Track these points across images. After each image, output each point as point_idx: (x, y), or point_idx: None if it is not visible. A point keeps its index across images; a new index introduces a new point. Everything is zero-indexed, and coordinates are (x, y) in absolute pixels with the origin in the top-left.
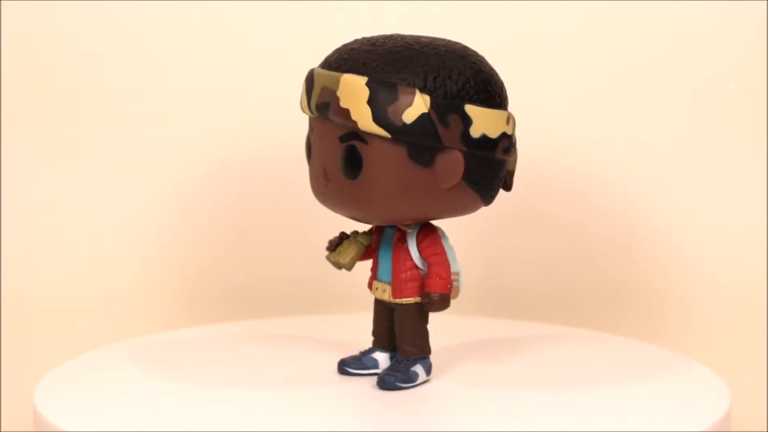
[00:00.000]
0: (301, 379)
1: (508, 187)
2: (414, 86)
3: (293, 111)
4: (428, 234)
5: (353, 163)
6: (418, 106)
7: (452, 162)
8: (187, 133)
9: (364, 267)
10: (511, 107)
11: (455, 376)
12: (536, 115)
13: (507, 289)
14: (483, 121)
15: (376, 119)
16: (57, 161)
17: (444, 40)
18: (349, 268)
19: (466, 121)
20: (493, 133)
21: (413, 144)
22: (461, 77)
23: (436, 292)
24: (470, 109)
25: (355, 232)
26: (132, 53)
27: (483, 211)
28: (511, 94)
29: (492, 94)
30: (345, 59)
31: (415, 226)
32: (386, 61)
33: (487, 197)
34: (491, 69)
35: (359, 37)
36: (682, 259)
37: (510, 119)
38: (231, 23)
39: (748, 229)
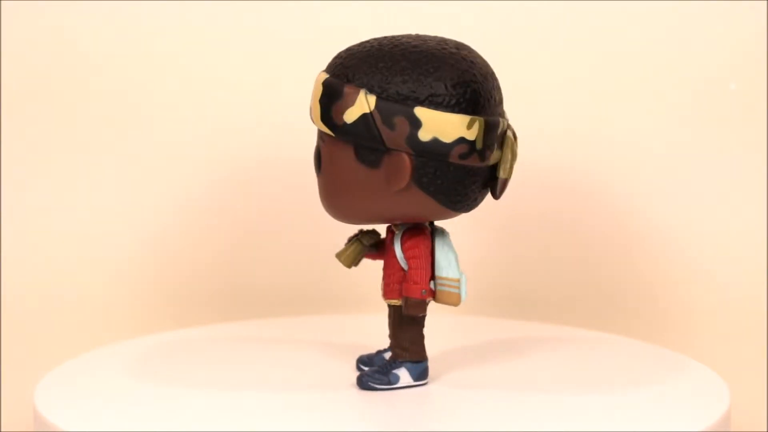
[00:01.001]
0: (300, 379)
1: (495, 195)
2: (362, 86)
3: (295, 113)
4: (412, 236)
5: (317, 160)
6: (360, 106)
7: (398, 165)
8: (190, 134)
9: (368, 268)
10: (512, 108)
11: (455, 377)
12: (537, 116)
13: (507, 289)
14: (435, 125)
15: (323, 117)
16: (58, 162)
17: (428, 39)
18: (346, 265)
19: (415, 123)
20: (447, 138)
21: (359, 144)
22: (416, 79)
23: (410, 297)
24: (420, 112)
25: (366, 231)
26: (131, 53)
27: (483, 211)
28: (512, 95)
29: (451, 97)
30: (333, 58)
31: (402, 226)
32: (348, 60)
33: (450, 203)
34: (464, 72)
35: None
36: (682, 259)
37: (474, 125)
38: (236, 24)
39: (748, 229)
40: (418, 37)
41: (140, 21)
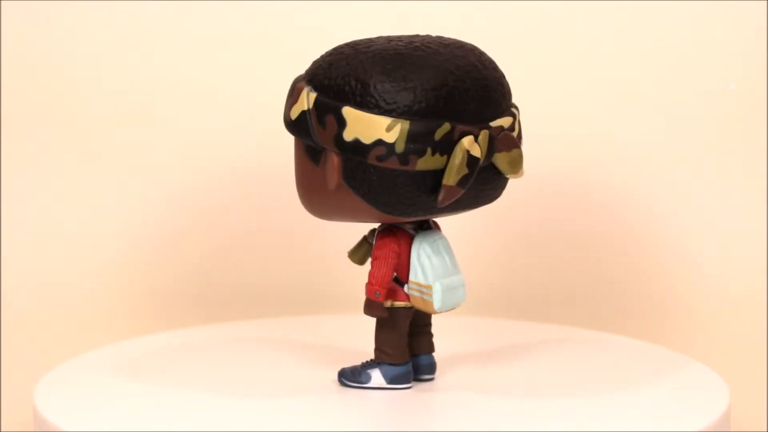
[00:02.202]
0: (298, 379)
1: (437, 200)
2: (309, 84)
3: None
4: (384, 236)
5: None
6: (301, 103)
7: (330, 163)
8: (190, 135)
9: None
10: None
11: (454, 377)
12: (536, 116)
13: (507, 289)
14: (357, 125)
15: (284, 114)
16: (56, 162)
17: (396, 39)
18: (356, 263)
19: (341, 123)
20: (367, 139)
21: (304, 141)
22: (350, 79)
23: (367, 297)
24: (347, 112)
25: (373, 230)
26: (119, 54)
27: (484, 212)
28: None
29: (374, 98)
30: None
31: (381, 226)
32: (316, 60)
33: (380, 206)
34: (398, 74)
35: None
36: (682, 258)
37: (396, 127)
38: (229, 27)
39: (748, 229)
40: (395, 38)
41: (136, 22)
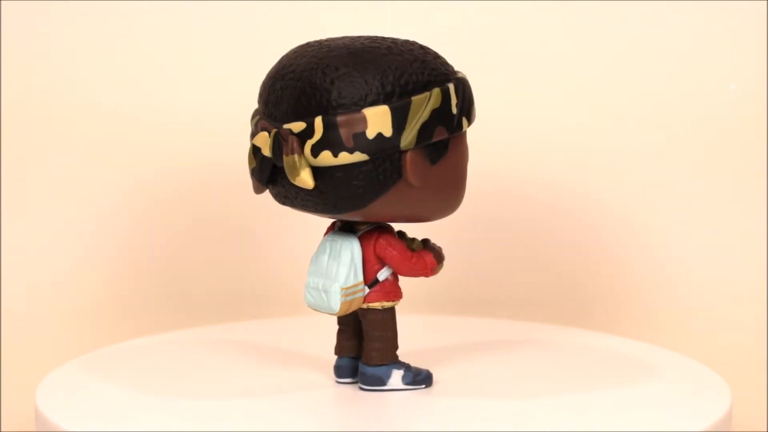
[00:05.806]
0: (294, 380)
1: None
2: None
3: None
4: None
5: None
6: None
7: None
8: (168, 131)
9: None
10: (492, 114)
11: (452, 377)
12: (533, 117)
13: (506, 288)
14: None
15: None
16: (53, 161)
17: (339, 39)
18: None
19: None
20: None
21: None
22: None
23: None
24: None
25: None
26: (74, 54)
27: (484, 210)
28: (490, 100)
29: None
30: None
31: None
32: None
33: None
34: (281, 69)
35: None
36: (682, 258)
37: (252, 117)
38: (204, 27)
39: (749, 229)
40: (339, 38)
41: (106, 24)
